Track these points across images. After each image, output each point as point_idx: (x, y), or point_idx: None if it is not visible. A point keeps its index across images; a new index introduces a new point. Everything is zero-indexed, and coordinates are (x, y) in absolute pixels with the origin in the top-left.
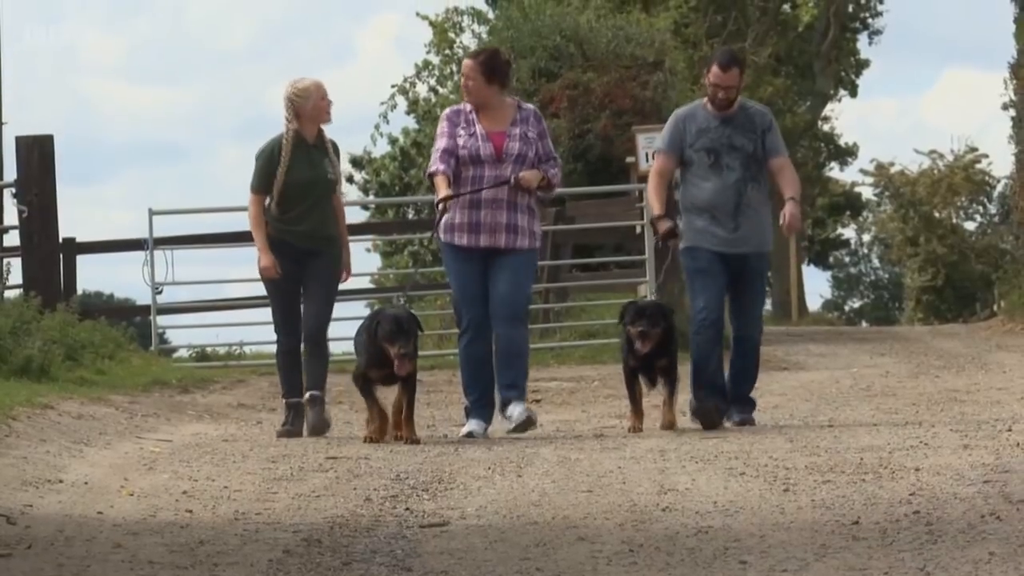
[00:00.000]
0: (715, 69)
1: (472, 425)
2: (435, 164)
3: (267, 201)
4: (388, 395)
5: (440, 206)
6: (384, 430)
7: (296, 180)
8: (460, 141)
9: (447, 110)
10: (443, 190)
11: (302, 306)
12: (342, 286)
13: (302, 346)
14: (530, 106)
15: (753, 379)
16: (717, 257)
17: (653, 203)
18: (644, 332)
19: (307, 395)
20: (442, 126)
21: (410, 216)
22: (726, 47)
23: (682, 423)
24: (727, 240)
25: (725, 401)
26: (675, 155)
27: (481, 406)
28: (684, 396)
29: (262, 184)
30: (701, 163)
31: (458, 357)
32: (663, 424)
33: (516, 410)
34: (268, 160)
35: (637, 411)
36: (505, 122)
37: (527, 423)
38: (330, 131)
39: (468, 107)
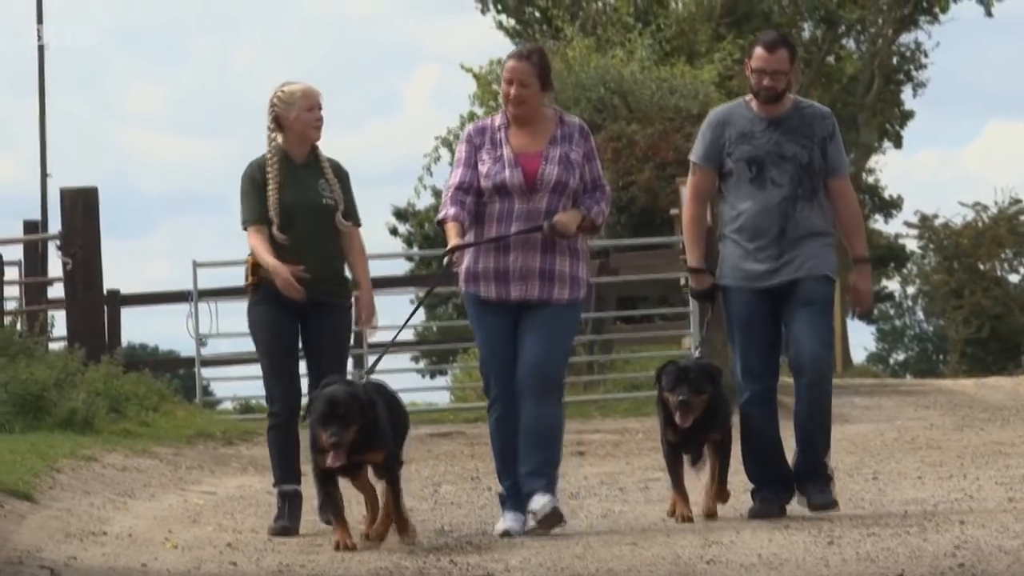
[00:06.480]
0: (758, 51)
1: (508, 522)
2: (444, 207)
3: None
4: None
5: (446, 259)
6: (371, 525)
7: (283, 203)
8: (483, 168)
9: (469, 128)
10: (452, 239)
11: (303, 369)
12: (375, 336)
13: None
14: (575, 119)
15: (821, 444)
16: (760, 299)
17: (688, 247)
18: (686, 402)
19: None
20: (460, 151)
21: (454, 269)
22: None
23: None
24: (769, 273)
25: (790, 489)
26: (713, 168)
27: (518, 494)
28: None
29: (254, 212)
30: (741, 176)
31: (489, 435)
32: (704, 512)
33: (540, 501)
34: (251, 183)
35: (682, 494)
36: (542, 140)
37: (551, 519)
38: (375, 181)
39: (497, 122)
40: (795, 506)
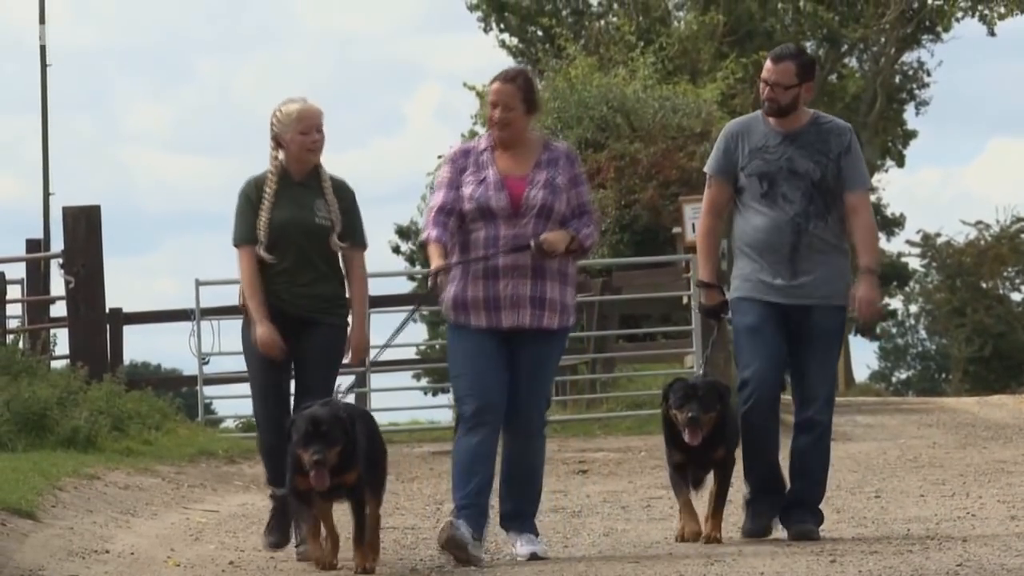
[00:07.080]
0: (766, 62)
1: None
2: (427, 229)
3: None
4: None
5: (431, 281)
6: (335, 552)
7: (273, 222)
8: (467, 190)
9: (452, 150)
10: (435, 260)
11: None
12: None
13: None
14: (562, 144)
15: (819, 481)
16: (772, 311)
17: (700, 260)
18: (695, 419)
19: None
20: (443, 172)
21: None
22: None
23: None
24: (784, 290)
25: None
26: (727, 181)
27: (471, 507)
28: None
29: (244, 233)
30: (753, 191)
31: (457, 453)
32: (706, 537)
33: (521, 548)
34: (245, 201)
35: (690, 513)
36: (527, 164)
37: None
38: (377, 199)
39: (482, 145)
40: None
